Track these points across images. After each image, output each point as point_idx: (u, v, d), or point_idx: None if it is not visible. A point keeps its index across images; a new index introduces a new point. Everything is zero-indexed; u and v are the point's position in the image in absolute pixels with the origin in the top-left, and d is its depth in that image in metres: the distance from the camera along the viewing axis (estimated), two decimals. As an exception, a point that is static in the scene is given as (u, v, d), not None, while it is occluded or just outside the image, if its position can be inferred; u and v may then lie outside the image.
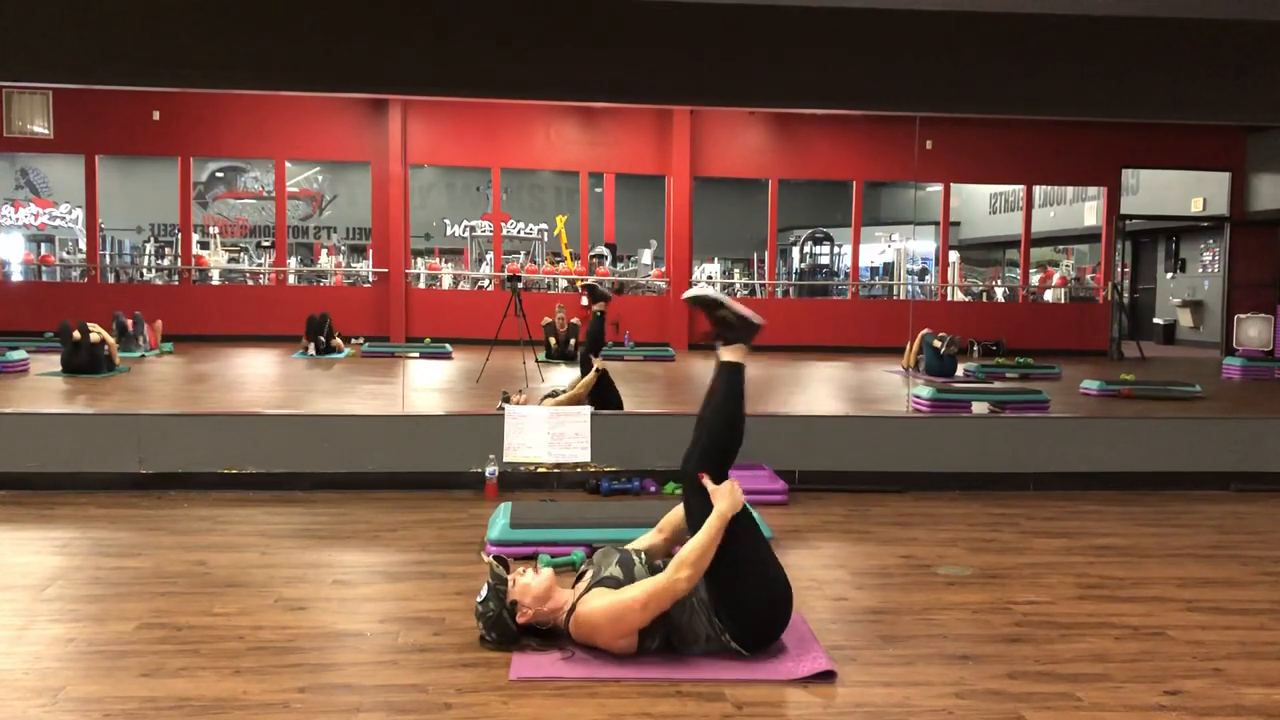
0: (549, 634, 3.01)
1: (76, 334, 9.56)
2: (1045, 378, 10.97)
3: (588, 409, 5.78)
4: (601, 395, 6.64)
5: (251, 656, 2.95)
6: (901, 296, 18.43)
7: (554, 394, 6.88)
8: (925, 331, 11.09)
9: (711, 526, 2.91)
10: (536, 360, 10.65)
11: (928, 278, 18.99)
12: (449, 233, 21.64)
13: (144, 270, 17.82)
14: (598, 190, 16.45)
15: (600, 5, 5.34)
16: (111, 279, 17.06)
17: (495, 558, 3.09)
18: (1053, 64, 5.75)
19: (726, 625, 2.92)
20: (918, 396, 8.24)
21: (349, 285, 16.79)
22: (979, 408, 8.08)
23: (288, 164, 15.96)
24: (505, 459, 5.31)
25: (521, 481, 5.31)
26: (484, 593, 3.02)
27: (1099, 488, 5.60)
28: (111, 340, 10.02)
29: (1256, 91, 5.96)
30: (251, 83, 6.71)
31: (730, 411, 3.12)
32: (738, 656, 2.93)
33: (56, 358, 9.90)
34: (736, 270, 19.90)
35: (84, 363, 9.56)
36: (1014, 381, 10.58)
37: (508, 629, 2.99)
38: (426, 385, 9.76)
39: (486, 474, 5.20)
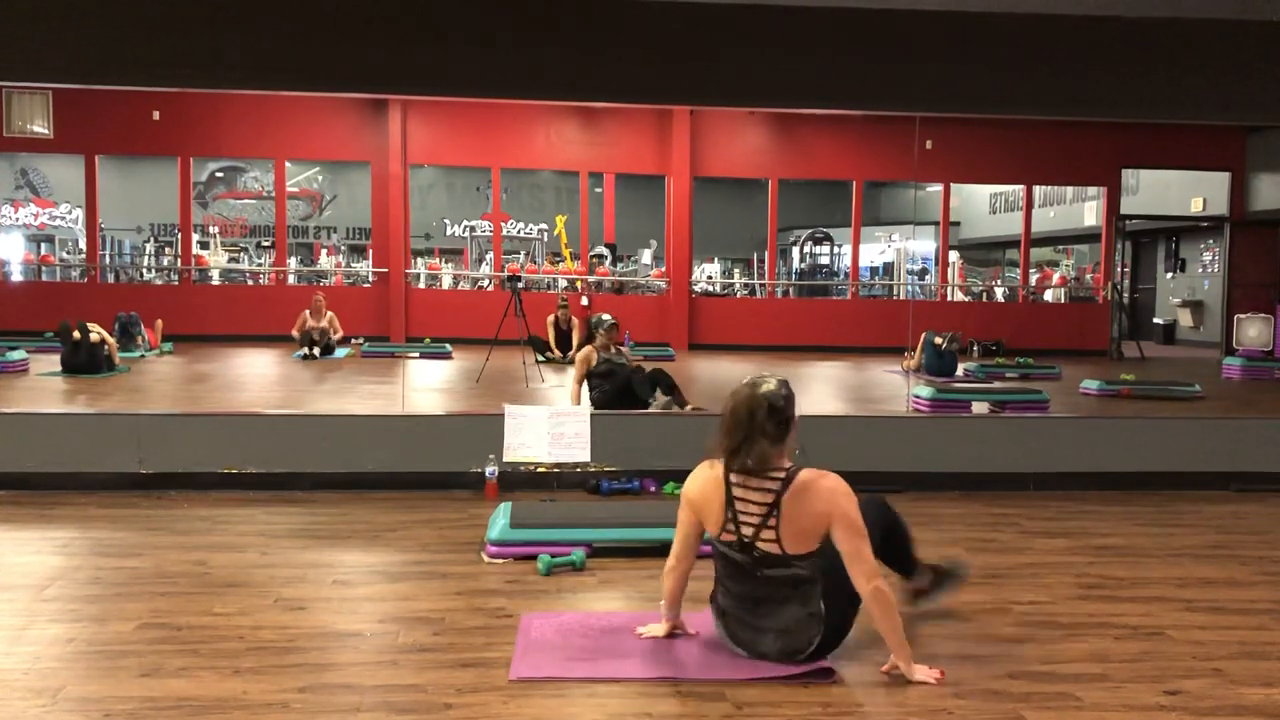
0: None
1: (76, 334, 9.56)
2: (1045, 378, 10.97)
3: (587, 409, 5.78)
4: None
5: (251, 656, 2.95)
6: (901, 296, 18.43)
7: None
8: (928, 332, 11.06)
9: (899, 642, 2.85)
10: (536, 361, 10.64)
11: (928, 278, 18.99)
12: (449, 233, 21.64)
13: (144, 270, 17.83)
14: (598, 190, 16.46)
15: (600, 5, 5.34)
16: (111, 279, 17.06)
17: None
18: (1053, 64, 5.75)
19: (823, 609, 2.91)
20: (918, 396, 8.23)
21: (349, 285, 16.80)
22: (979, 408, 8.09)
23: (288, 164, 15.96)
24: (505, 459, 5.30)
25: (521, 481, 5.31)
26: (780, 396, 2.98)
27: (1099, 488, 5.60)
28: (111, 340, 10.02)
29: (1256, 91, 5.96)
30: (251, 83, 6.72)
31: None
32: (787, 656, 2.91)
33: (56, 358, 9.89)
34: (736, 270, 19.91)
35: (84, 363, 9.56)
36: (1014, 381, 10.57)
37: (767, 424, 2.93)
38: (426, 385, 9.76)
39: (486, 474, 5.20)
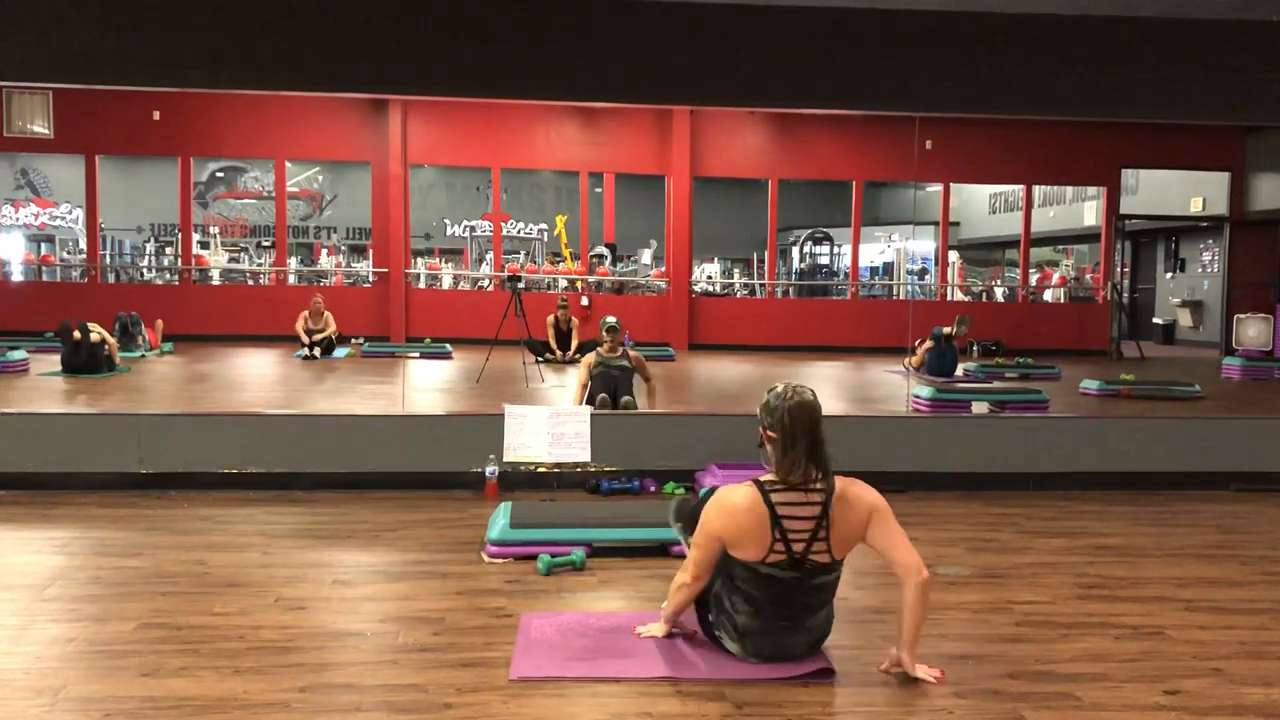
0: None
1: (76, 334, 9.56)
2: (1045, 378, 10.96)
3: (587, 409, 5.78)
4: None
5: (251, 656, 2.95)
6: (901, 296, 18.42)
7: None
8: (936, 327, 10.91)
9: (917, 637, 2.88)
10: (536, 361, 10.63)
11: (927, 278, 18.99)
12: (449, 233, 21.64)
13: (144, 270, 17.83)
14: (598, 190, 16.45)
15: (600, 5, 5.34)
16: (111, 279, 17.05)
17: None
18: (1053, 64, 5.75)
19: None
20: (918, 396, 8.23)
21: (349, 285, 16.79)
22: (979, 408, 8.09)
23: (288, 164, 15.96)
24: (505, 459, 5.30)
25: (521, 481, 5.31)
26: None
27: (1099, 488, 5.60)
28: (112, 340, 10.02)
29: (1256, 91, 5.96)
30: (251, 83, 6.72)
31: None
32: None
33: (56, 358, 9.89)
34: (736, 270, 19.90)
35: (84, 363, 9.56)
36: (1014, 381, 10.56)
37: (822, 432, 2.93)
38: (426, 385, 9.76)
39: (486, 474, 5.20)
